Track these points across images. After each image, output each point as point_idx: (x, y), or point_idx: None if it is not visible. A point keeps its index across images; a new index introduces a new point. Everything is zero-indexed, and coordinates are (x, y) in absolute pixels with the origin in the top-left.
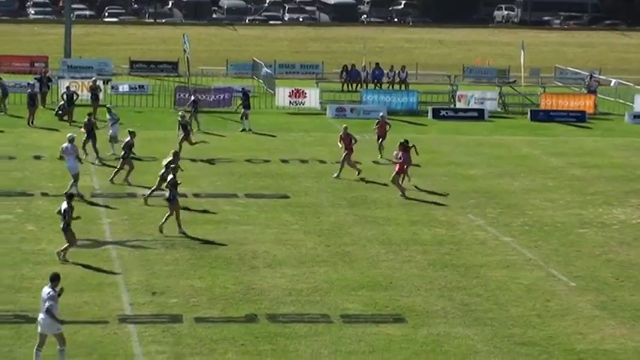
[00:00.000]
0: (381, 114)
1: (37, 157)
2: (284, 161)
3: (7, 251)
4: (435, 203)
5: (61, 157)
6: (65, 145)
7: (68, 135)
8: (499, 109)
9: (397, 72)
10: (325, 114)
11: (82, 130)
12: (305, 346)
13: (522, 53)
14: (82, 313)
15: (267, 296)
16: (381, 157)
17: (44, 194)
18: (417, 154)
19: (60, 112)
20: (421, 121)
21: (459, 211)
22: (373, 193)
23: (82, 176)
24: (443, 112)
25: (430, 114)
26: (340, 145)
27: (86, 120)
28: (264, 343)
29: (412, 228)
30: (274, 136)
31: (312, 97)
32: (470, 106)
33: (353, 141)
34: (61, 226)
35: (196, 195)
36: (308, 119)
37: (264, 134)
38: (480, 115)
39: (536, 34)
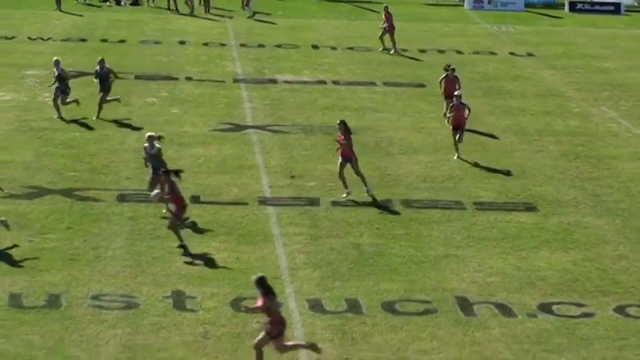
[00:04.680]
0: (456, 93)
1: (182, 43)
2: (421, 51)
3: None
4: (569, 96)
5: None
6: None
7: None
8: (635, 4)
9: None
10: (463, 5)
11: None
12: (438, 231)
13: None
14: (224, 194)
15: (402, 182)
16: (457, 156)
17: (188, 78)
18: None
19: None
20: (557, 13)
21: (593, 103)
22: (508, 84)
23: (225, 62)
24: (579, 6)
25: (567, 7)
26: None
27: None
28: (399, 228)
29: (545, 119)
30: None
31: None
32: (606, 0)
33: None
34: None
35: (335, 82)
36: (446, 10)
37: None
38: (616, 9)
39: None
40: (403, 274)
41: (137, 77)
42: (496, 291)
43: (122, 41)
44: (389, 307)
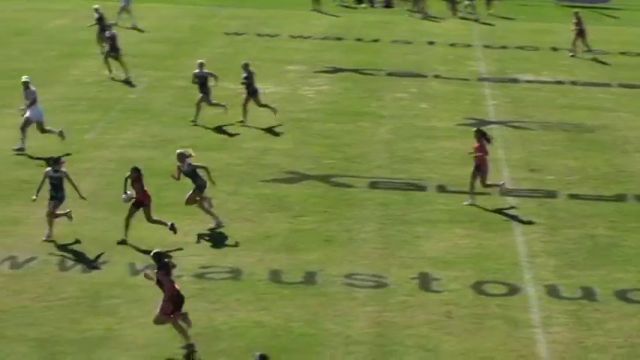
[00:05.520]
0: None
1: (431, 43)
2: None
3: (403, 125)
4: None
5: None
6: None
7: None
8: None
9: None
10: None
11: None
12: None
13: None
14: (467, 185)
15: (636, 178)
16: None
17: (436, 76)
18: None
19: None
20: None
21: None
22: None
23: (470, 61)
24: None
25: None
26: None
27: None
28: (632, 221)
29: None
30: None
31: None
32: None
33: None
34: None
35: (573, 82)
36: None
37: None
38: None
39: None
40: (636, 265)
41: (389, 74)
42: None
43: (375, 40)
44: (622, 296)
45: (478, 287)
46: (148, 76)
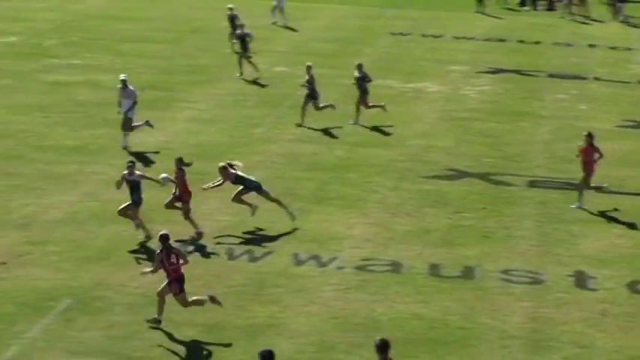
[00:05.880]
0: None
1: (592, 46)
2: None
3: (562, 126)
4: None
5: None
6: None
7: None
8: None
9: None
10: None
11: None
12: None
13: None
14: (625, 186)
15: None
16: None
17: (596, 78)
18: None
19: None
20: None
21: None
22: None
23: (630, 65)
24: None
25: None
26: None
27: None
28: None
29: None
30: None
31: None
32: None
33: None
34: None
35: None
36: None
37: None
38: None
39: None
40: None
41: (550, 75)
42: None
43: (537, 42)
44: None
45: (633, 286)
46: (315, 74)
